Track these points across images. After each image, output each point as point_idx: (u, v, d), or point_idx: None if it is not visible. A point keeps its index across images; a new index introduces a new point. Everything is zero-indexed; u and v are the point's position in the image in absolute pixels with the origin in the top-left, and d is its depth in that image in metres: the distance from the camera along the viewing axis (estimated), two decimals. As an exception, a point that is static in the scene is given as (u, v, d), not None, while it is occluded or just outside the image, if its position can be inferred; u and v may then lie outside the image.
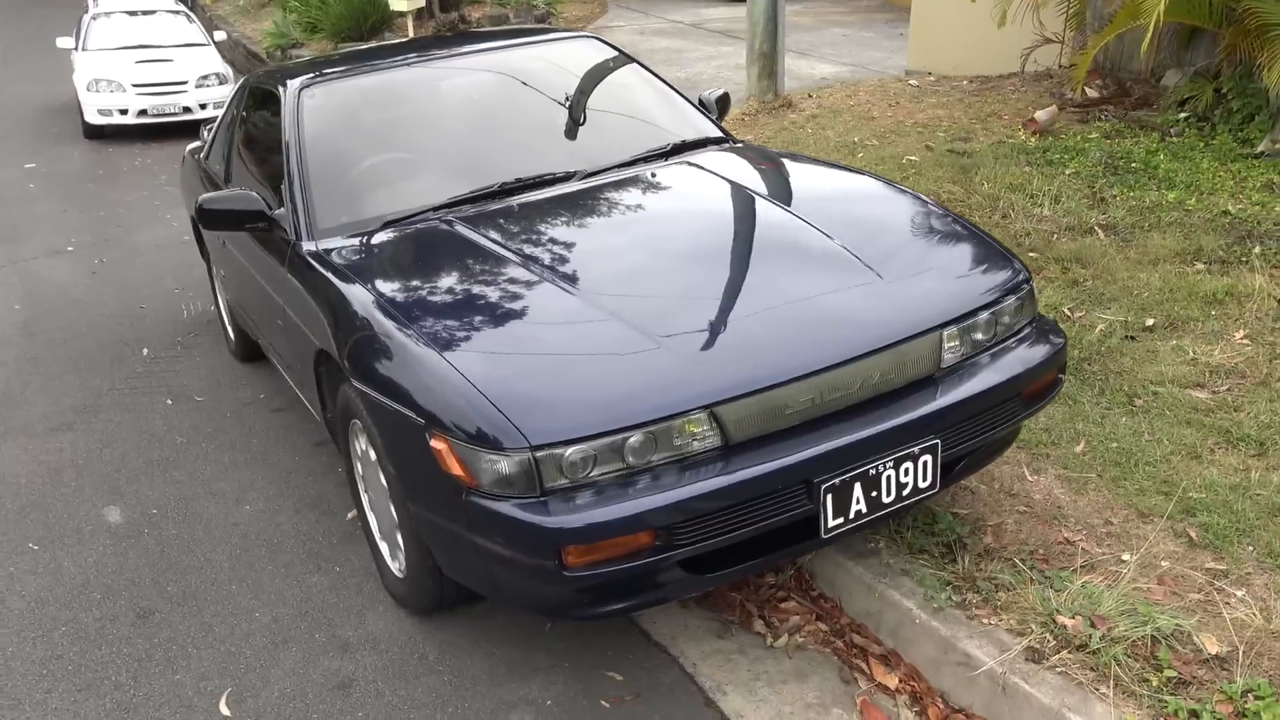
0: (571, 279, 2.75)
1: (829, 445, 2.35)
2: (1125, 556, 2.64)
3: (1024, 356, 2.67)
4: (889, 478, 2.42)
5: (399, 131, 3.68)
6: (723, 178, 3.34)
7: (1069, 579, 2.57)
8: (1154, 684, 2.25)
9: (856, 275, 2.69)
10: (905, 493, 2.46)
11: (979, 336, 2.64)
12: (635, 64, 4.07)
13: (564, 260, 2.89)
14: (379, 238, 3.15)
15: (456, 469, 2.28)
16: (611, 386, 2.34)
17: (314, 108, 3.60)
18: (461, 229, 3.10)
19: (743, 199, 3.21)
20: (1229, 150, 5.81)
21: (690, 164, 3.47)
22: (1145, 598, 2.48)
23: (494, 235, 3.03)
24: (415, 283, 2.87)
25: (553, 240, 3.03)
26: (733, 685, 2.57)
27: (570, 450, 2.21)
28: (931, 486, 2.49)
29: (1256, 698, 2.17)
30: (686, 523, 2.24)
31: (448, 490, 2.34)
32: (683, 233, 3.03)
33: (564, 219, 3.18)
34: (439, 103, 3.82)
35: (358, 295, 2.81)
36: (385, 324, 2.63)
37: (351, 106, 3.69)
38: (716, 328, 2.49)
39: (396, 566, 2.92)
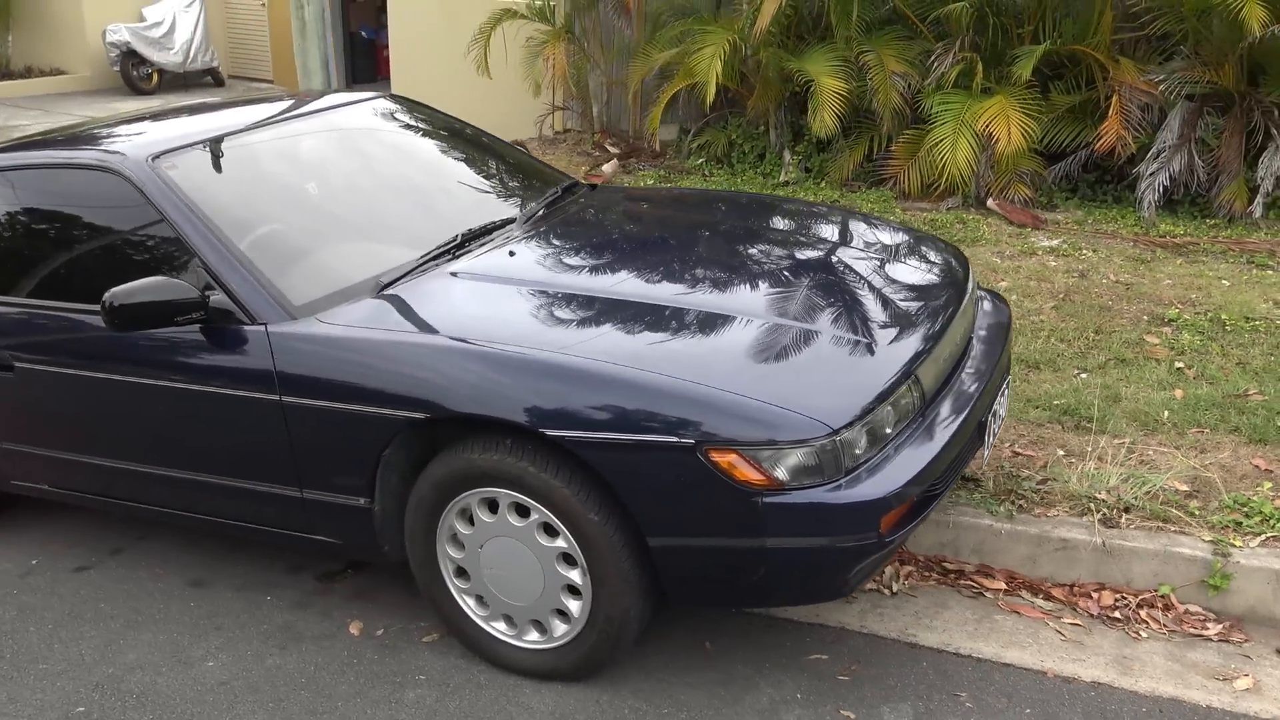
0: (666, 294, 2.91)
1: (982, 388, 2.83)
2: (1089, 449, 3.46)
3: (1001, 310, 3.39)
4: (997, 412, 2.97)
5: (296, 198, 3.32)
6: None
7: (1070, 474, 3.31)
8: (1190, 511, 3.08)
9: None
10: (998, 424, 3.02)
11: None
12: (451, 118, 4.07)
13: (644, 281, 2.99)
14: (409, 293, 2.90)
15: (751, 475, 2.35)
16: (839, 370, 2.58)
17: (185, 179, 3.11)
18: (483, 278, 3.00)
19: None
20: (759, 182, 7.25)
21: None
22: (1128, 469, 3.31)
23: (538, 274, 3.02)
24: (526, 324, 2.76)
25: (598, 269, 3.08)
26: (917, 631, 2.90)
27: (854, 429, 2.42)
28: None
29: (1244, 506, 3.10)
30: (940, 475, 2.58)
31: (728, 504, 2.39)
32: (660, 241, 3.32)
33: (575, 252, 3.22)
34: (312, 168, 3.50)
35: (504, 349, 2.61)
36: (586, 365, 2.52)
37: (228, 174, 3.24)
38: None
39: (537, 641, 2.74)
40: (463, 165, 3.85)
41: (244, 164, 3.33)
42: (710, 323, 2.74)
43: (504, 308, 2.86)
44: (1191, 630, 2.82)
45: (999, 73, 6.92)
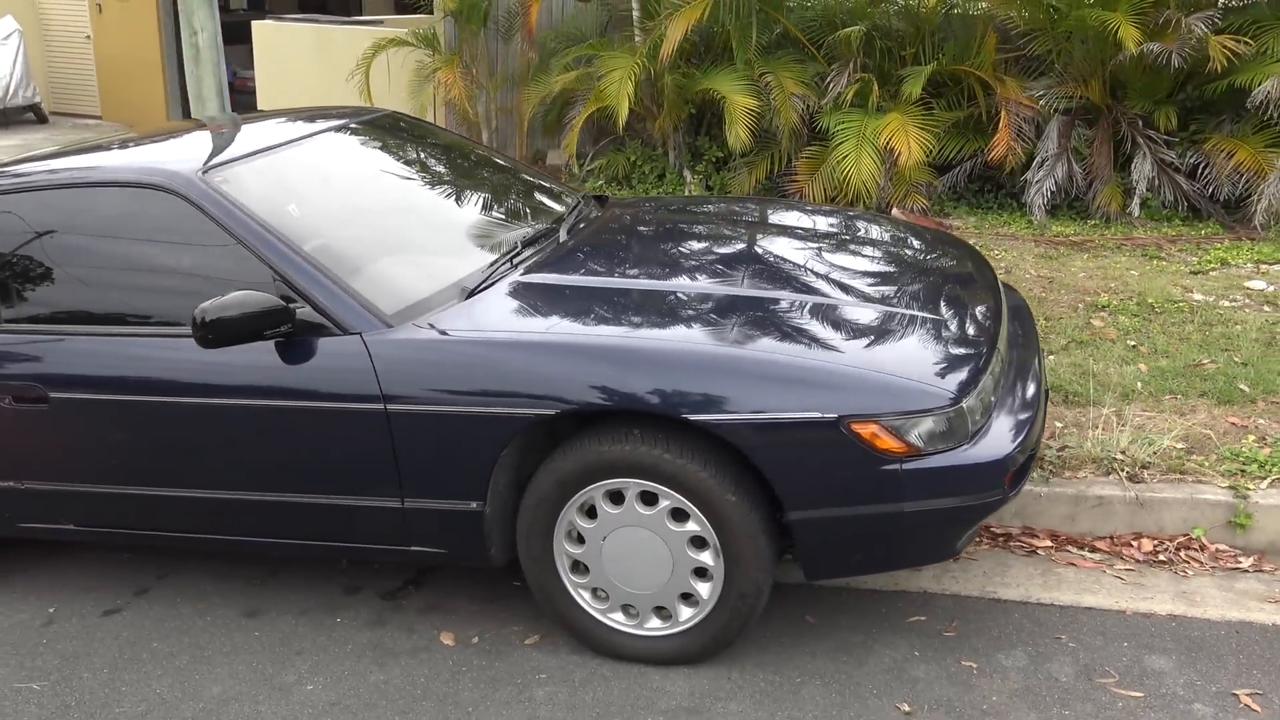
0: (744, 283, 3.10)
1: (1039, 360, 3.11)
2: (1084, 419, 3.79)
3: (1014, 294, 3.69)
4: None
5: (343, 210, 3.29)
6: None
7: (1083, 440, 3.64)
8: (1199, 464, 3.44)
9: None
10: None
11: None
12: (454, 134, 4.11)
13: (721, 278, 3.13)
14: (499, 297, 2.94)
15: (891, 444, 2.53)
16: (945, 346, 2.79)
17: (240, 193, 3.05)
18: (561, 276, 3.09)
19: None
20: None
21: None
22: (1130, 433, 3.65)
23: (614, 276, 3.14)
24: (634, 320, 2.85)
25: (667, 270, 3.21)
26: (995, 588, 3.13)
27: (971, 397, 2.64)
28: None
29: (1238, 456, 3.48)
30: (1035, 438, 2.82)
31: (869, 473, 2.55)
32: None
33: (636, 255, 3.33)
34: (351, 180, 3.47)
35: (631, 338, 2.69)
36: (727, 352, 2.63)
37: (276, 188, 3.18)
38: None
39: (659, 628, 2.82)
40: (486, 177, 3.88)
41: (287, 177, 3.27)
42: (821, 310, 2.90)
43: (601, 306, 2.94)
44: (1229, 565, 3.16)
45: (888, 91, 7.38)
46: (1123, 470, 3.43)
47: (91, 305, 3.13)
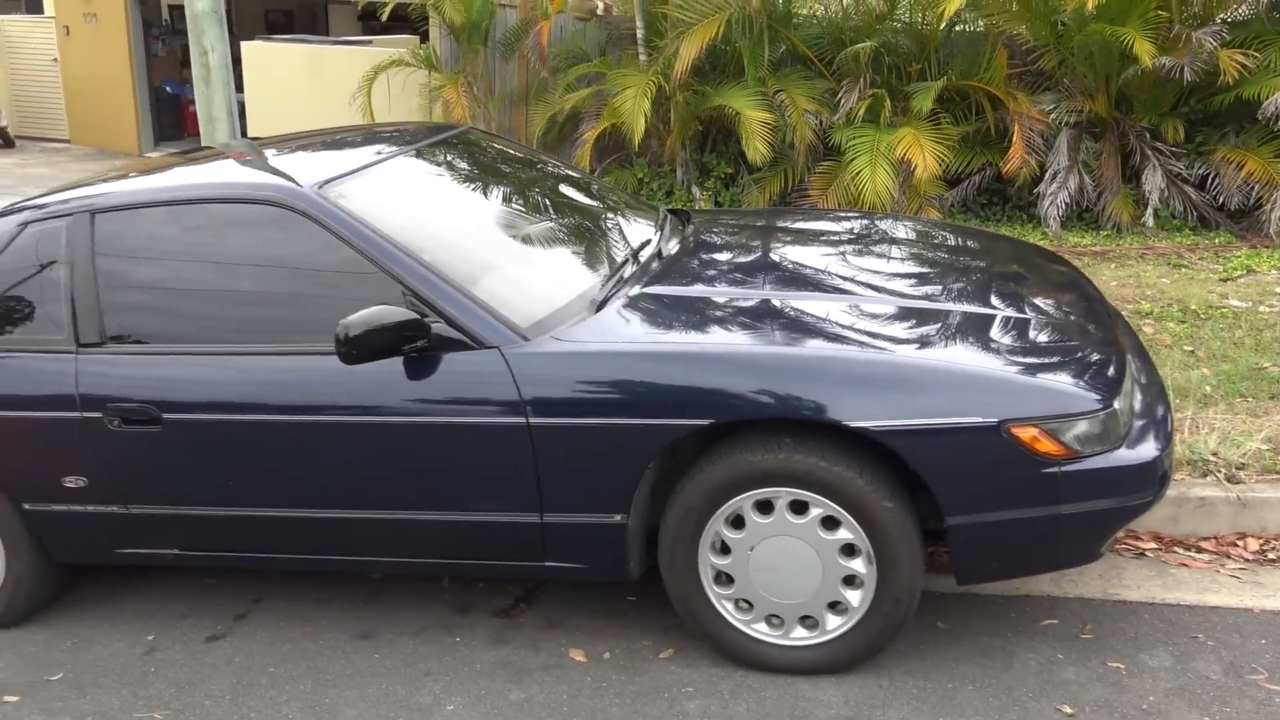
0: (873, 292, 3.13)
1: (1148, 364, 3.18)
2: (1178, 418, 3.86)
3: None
4: None
5: (452, 225, 3.26)
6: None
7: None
8: (1293, 465, 3.53)
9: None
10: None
11: None
12: (531, 151, 4.10)
13: (845, 282, 3.16)
14: (630, 309, 2.93)
15: (1050, 447, 2.56)
16: (1088, 351, 2.83)
17: (359, 208, 3.02)
18: (684, 288, 3.10)
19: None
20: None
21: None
22: (1217, 435, 3.73)
23: (740, 287, 3.16)
24: (777, 328, 2.86)
25: (791, 275, 3.23)
26: (1117, 590, 3.17)
27: (1120, 399, 2.69)
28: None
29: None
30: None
31: (1028, 477, 2.58)
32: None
33: (750, 266, 3.35)
34: (451, 196, 3.45)
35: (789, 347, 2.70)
36: (888, 358, 2.65)
37: (387, 203, 3.15)
38: None
39: (806, 637, 2.81)
40: (572, 191, 3.86)
41: (394, 193, 3.24)
42: (965, 318, 2.92)
43: (737, 317, 2.94)
44: (1337, 561, 3.24)
45: (897, 107, 7.49)
46: (1219, 472, 3.49)
47: (205, 323, 3.06)
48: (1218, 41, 6.49)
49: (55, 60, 14.71)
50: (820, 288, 3.14)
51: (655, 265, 3.27)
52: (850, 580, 2.74)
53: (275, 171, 3.17)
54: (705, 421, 2.65)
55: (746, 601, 2.83)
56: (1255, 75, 6.59)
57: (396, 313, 2.73)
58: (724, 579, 2.83)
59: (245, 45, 10.61)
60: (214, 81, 7.17)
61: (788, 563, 2.75)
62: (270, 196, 3.00)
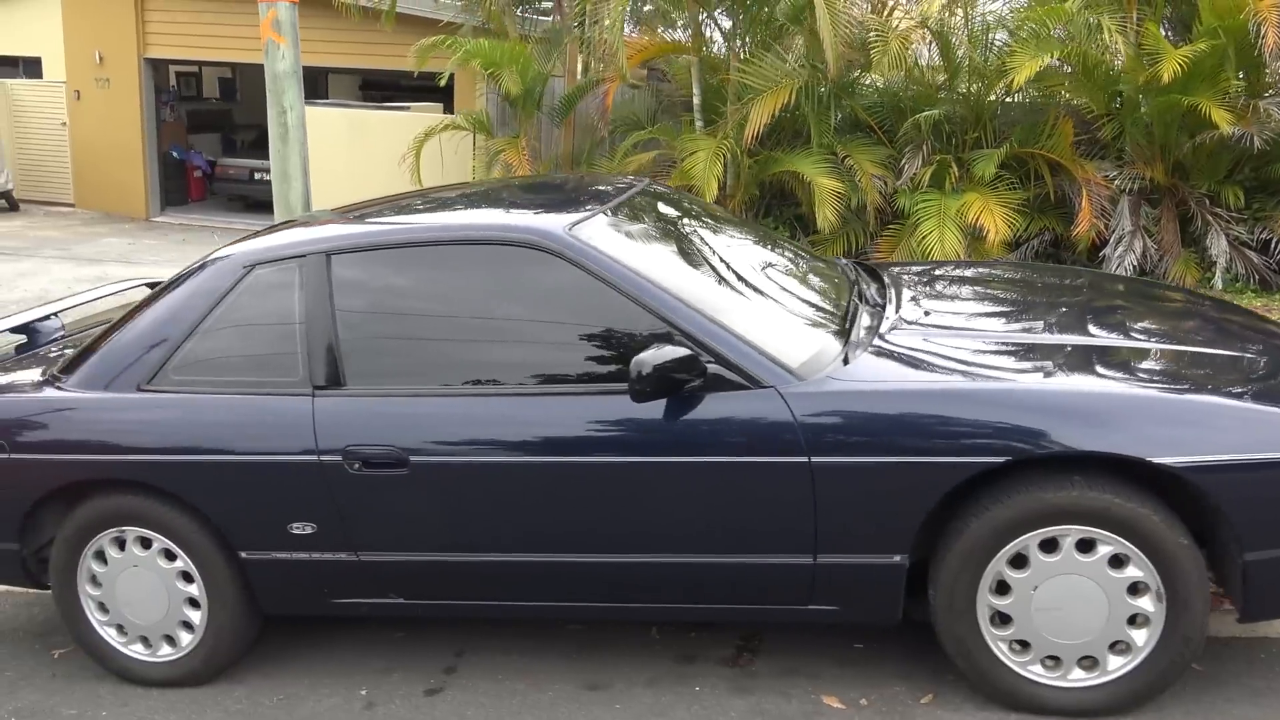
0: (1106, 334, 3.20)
1: None
2: None
3: None
4: None
5: (687, 269, 3.27)
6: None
7: None
8: None
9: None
10: None
11: None
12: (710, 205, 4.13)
13: (1087, 325, 3.21)
14: (892, 349, 2.97)
15: None
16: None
17: (612, 250, 3.03)
18: (939, 331, 3.14)
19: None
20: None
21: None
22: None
23: (986, 330, 3.20)
24: (1057, 364, 2.90)
25: (1027, 318, 3.29)
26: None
27: None
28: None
29: None
30: None
31: None
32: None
33: (980, 307, 3.39)
34: (674, 243, 3.46)
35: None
36: (1192, 397, 2.69)
37: (627, 246, 3.15)
38: None
39: (1085, 678, 2.79)
40: (764, 240, 3.88)
41: (625, 239, 3.23)
42: (1212, 359, 2.96)
43: (1007, 357, 2.96)
44: None
45: (960, 173, 7.67)
46: None
47: (452, 366, 3.02)
48: (1284, 110, 6.75)
49: (64, 124, 14.63)
50: (1071, 330, 3.18)
51: (888, 310, 3.28)
52: (1133, 619, 2.73)
53: (521, 214, 3.16)
54: (1001, 460, 2.65)
55: (1021, 643, 2.81)
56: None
57: (679, 351, 2.72)
58: (999, 619, 2.80)
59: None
60: (291, 140, 7.17)
61: (1072, 602, 2.73)
62: (523, 238, 2.98)
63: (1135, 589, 2.71)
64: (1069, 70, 7.49)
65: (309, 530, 3.04)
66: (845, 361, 2.89)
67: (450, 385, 2.98)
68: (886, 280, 3.69)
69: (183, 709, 3.19)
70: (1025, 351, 3.00)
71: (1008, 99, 8.13)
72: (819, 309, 3.28)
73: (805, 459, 2.73)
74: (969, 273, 4.10)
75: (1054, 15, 7.07)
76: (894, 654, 3.16)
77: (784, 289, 3.37)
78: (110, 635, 3.33)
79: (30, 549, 3.34)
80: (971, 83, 8.07)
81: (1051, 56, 7.01)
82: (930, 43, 7.81)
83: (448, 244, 3.08)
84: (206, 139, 16.16)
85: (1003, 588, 2.77)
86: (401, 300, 3.09)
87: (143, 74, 13.96)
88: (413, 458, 2.93)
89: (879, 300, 3.44)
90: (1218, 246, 7.10)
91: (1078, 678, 2.79)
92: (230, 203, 15.27)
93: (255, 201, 15.15)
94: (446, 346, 3.04)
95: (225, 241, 3.53)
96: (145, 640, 3.31)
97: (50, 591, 3.36)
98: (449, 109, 11.87)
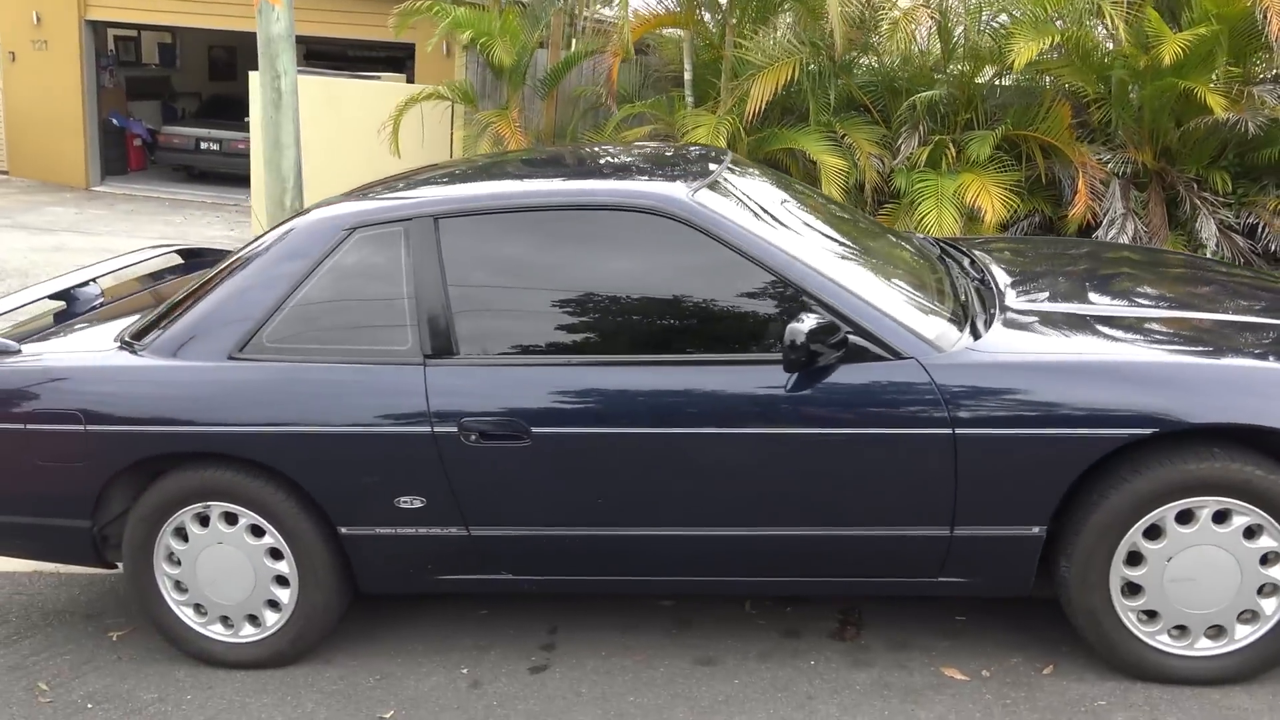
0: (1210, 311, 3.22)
1: None
2: None
3: None
4: None
5: (791, 240, 3.21)
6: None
7: None
8: None
9: None
10: None
11: None
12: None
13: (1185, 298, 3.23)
14: (1021, 322, 2.97)
15: None
16: None
17: (735, 218, 2.97)
18: (1060, 305, 3.15)
19: None
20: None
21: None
22: None
23: (1099, 307, 3.21)
24: (1199, 338, 2.92)
25: (1134, 294, 3.29)
26: None
27: None
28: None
29: None
30: None
31: None
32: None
33: (1087, 284, 3.39)
34: (769, 211, 3.39)
35: None
36: None
37: (741, 214, 3.08)
38: None
39: (1213, 647, 2.83)
40: (849, 213, 3.85)
41: (738, 205, 3.16)
42: None
43: (1140, 332, 2.96)
44: None
45: (956, 153, 7.73)
46: None
47: (571, 333, 2.92)
48: (1276, 99, 6.92)
49: (-2, 89, 13.98)
50: (1184, 306, 3.21)
51: (994, 284, 3.28)
52: (1261, 589, 2.77)
53: (637, 180, 3.08)
54: (1148, 431, 2.66)
55: (1149, 613, 2.83)
56: (1302, 131, 7.05)
57: (826, 322, 2.68)
58: (1130, 590, 2.82)
59: (252, 75, 10.24)
60: (284, 107, 6.92)
61: (1205, 573, 2.76)
62: (647, 204, 2.90)
63: (1266, 559, 2.74)
64: (1063, 54, 7.58)
65: (417, 504, 2.93)
66: (976, 335, 2.87)
67: (572, 354, 2.88)
68: (964, 254, 3.69)
69: (274, 691, 3.07)
70: (1148, 324, 3.02)
71: (997, 82, 8.21)
72: (925, 281, 3.25)
73: (949, 431, 2.71)
74: (1034, 249, 4.12)
75: (1053, 0, 7.15)
76: (999, 626, 3.17)
77: (888, 261, 3.34)
78: (188, 615, 3.18)
79: (98, 525, 3.16)
80: (967, 64, 8.12)
81: (1052, 40, 7.08)
82: (929, 24, 7.83)
83: (564, 209, 2.98)
84: (145, 106, 15.58)
85: (1135, 559, 2.79)
86: (514, 266, 2.98)
87: (83, 36, 13.38)
88: (535, 429, 2.83)
89: (975, 274, 3.44)
90: (1207, 229, 7.26)
91: (1205, 647, 2.83)
92: (174, 173, 14.77)
93: (200, 172, 14.67)
94: (564, 314, 2.94)
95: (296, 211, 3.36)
96: (226, 620, 3.16)
97: (104, 570, 3.19)
98: (410, 80, 11.61)
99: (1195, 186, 7.48)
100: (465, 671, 3.12)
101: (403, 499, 2.94)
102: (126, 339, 3.17)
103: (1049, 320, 3.00)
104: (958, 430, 2.70)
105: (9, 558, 3.67)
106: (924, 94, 7.60)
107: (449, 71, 10.38)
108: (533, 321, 2.95)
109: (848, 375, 2.75)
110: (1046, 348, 2.82)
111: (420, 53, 11.31)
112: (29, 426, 3.05)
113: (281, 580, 3.10)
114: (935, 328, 2.85)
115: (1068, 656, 3.00)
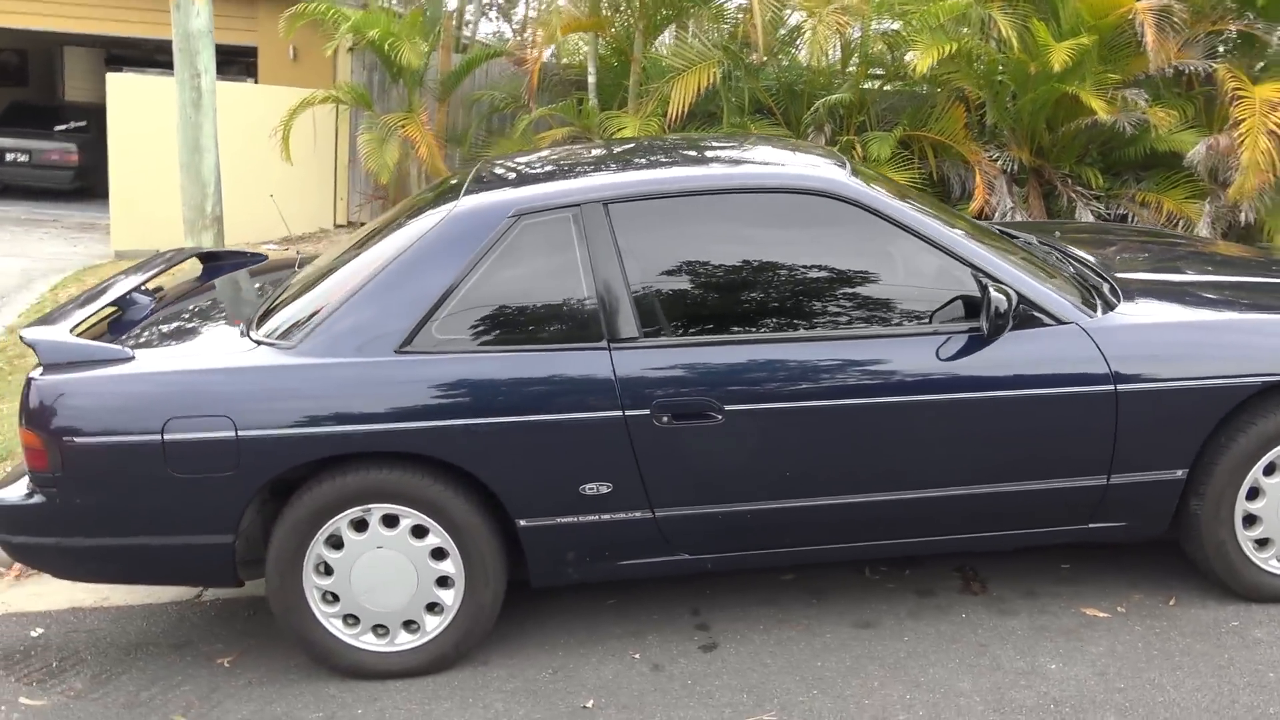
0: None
1: None
2: None
3: None
4: None
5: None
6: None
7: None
8: None
9: None
10: None
11: None
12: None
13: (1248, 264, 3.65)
14: (1144, 290, 3.29)
15: None
16: None
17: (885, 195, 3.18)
18: (1158, 275, 3.50)
19: None
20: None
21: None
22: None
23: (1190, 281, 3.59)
24: None
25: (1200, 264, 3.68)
26: None
27: None
28: None
29: None
30: None
31: None
32: None
33: (1149, 256, 3.76)
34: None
35: None
36: None
37: (890, 193, 3.27)
38: None
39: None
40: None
41: (879, 191, 3.31)
42: None
43: (1246, 295, 3.33)
44: None
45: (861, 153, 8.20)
46: None
47: (752, 312, 3.02)
48: (1146, 100, 7.73)
49: None
50: (1249, 272, 3.62)
51: (1087, 259, 3.59)
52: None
53: (798, 164, 3.21)
54: (1278, 376, 3.02)
55: (1261, 541, 3.19)
56: (1167, 130, 7.88)
57: (1009, 293, 2.89)
58: (1248, 522, 3.17)
59: (111, 78, 9.57)
60: (204, 107, 6.62)
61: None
62: (818, 187, 3.04)
63: (1357, 485, 3.15)
64: (956, 60, 8.17)
65: (604, 490, 2.94)
66: (1111, 303, 3.16)
67: (756, 331, 2.97)
68: (1028, 236, 4.00)
69: (450, 696, 2.99)
70: (1244, 289, 3.40)
71: (886, 87, 8.74)
72: (1037, 255, 3.52)
73: (1111, 388, 2.97)
74: (1068, 232, 4.50)
75: (946, 10, 7.70)
76: (1106, 570, 3.46)
77: (1000, 241, 3.60)
78: (336, 627, 3.04)
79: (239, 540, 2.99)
80: (860, 70, 8.61)
81: (950, 49, 7.62)
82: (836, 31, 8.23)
83: (734, 192, 3.07)
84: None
85: (1254, 493, 3.14)
86: (687, 249, 3.04)
87: None
88: (727, 406, 2.90)
89: (1058, 250, 3.74)
90: (1086, 220, 8.02)
91: (1318, 567, 3.22)
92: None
93: (5, 186, 13.54)
94: (742, 293, 3.03)
95: (429, 191, 3.30)
96: (379, 629, 3.05)
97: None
98: (256, 83, 11.14)
99: (1070, 181, 8.21)
100: (637, 657, 3.13)
101: (588, 486, 2.94)
102: (264, 339, 3.01)
103: (1160, 289, 3.32)
104: (1119, 386, 2.97)
105: (98, 583, 3.42)
106: (830, 97, 7.99)
107: (296, 74, 10.01)
108: (712, 302, 3.02)
109: (1020, 342, 2.97)
110: (1181, 310, 3.13)
111: (264, 55, 10.87)
112: (166, 437, 2.84)
113: (444, 581, 3.02)
114: (1078, 296, 3.11)
115: (1180, 590, 3.32)
